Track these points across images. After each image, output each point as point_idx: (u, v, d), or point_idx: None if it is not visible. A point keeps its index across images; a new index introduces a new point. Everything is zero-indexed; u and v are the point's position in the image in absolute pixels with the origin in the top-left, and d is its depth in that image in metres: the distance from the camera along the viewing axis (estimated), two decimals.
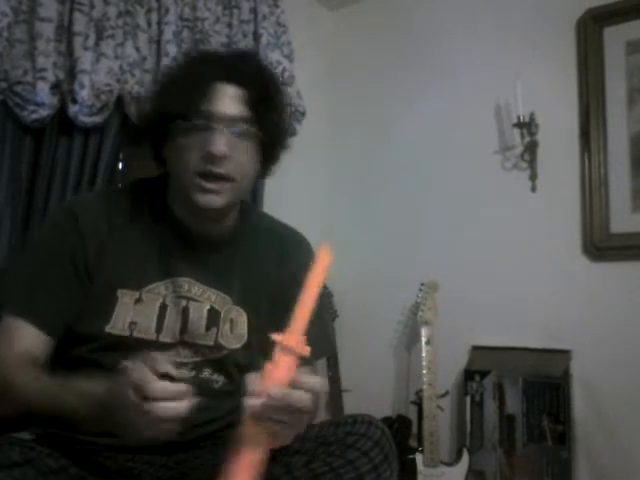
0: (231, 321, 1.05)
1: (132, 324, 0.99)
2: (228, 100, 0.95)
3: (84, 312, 0.98)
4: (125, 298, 0.99)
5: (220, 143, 0.93)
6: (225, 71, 0.96)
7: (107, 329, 0.98)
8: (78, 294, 0.98)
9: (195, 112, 0.93)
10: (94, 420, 0.83)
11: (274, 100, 1.00)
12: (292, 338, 0.76)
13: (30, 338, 0.96)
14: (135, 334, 0.99)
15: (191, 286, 1.03)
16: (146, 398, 0.71)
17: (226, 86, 0.95)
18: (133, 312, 0.99)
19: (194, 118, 0.93)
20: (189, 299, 1.03)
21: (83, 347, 0.99)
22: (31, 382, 0.90)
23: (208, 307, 1.04)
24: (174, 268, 1.02)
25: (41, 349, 0.96)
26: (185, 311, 1.02)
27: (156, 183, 1.07)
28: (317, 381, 0.78)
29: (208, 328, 1.03)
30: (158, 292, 1.01)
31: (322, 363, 2.10)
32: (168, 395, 0.72)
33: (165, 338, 1.00)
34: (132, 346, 0.98)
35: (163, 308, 1.01)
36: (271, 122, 0.99)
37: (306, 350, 0.76)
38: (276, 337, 0.76)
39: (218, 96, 0.94)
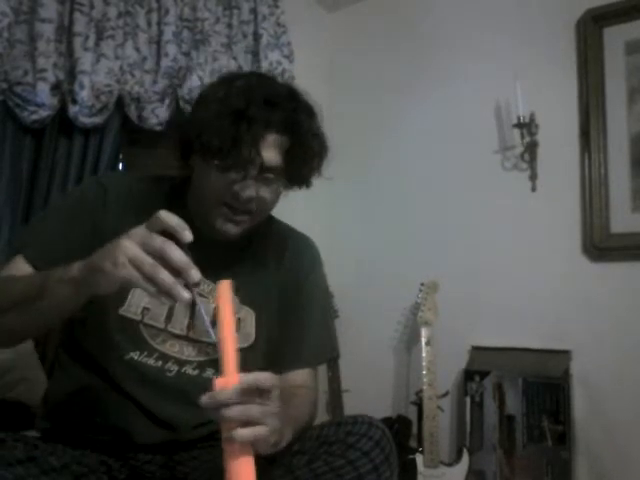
0: (238, 320, 1.06)
1: (145, 309, 1.00)
2: (270, 149, 0.95)
3: None
4: None
5: (251, 189, 0.95)
6: (276, 120, 0.94)
7: (120, 311, 0.99)
8: (84, 254, 0.99)
9: (236, 158, 0.92)
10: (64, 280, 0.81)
11: (315, 154, 1.01)
12: (230, 380, 0.74)
13: (20, 270, 0.96)
14: (146, 320, 1.00)
15: (201, 283, 1.04)
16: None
17: (268, 133, 0.94)
18: (146, 299, 1.00)
19: (231, 159, 0.93)
20: (198, 295, 1.03)
21: (91, 328, 1.00)
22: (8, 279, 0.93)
23: (215, 305, 1.04)
24: None
25: None
26: (193, 307, 1.03)
27: (179, 183, 1.08)
28: (265, 375, 0.76)
29: (213, 325, 1.03)
30: None
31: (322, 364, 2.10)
32: (175, 260, 0.73)
33: (173, 329, 1.01)
34: (138, 332, 0.99)
35: None
36: (306, 174, 1.02)
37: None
38: (217, 382, 0.74)
39: (257, 142, 0.93)
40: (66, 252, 0.97)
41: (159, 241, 0.73)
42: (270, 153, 0.95)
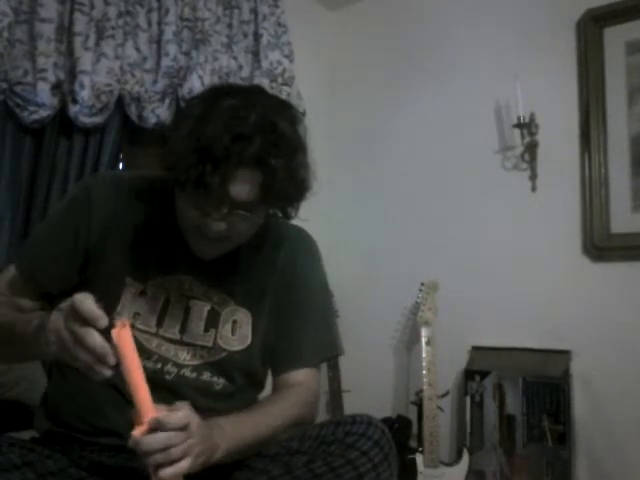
0: (234, 322, 1.05)
1: (136, 314, 1.00)
2: (241, 186, 0.87)
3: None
4: (131, 288, 1.00)
5: (220, 225, 0.90)
6: (248, 155, 0.85)
7: (113, 315, 0.98)
8: (70, 260, 1.02)
9: (202, 196, 0.87)
10: (24, 340, 0.87)
11: (291, 182, 0.91)
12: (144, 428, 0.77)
13: (10, 277, 1.03)
14: (137, 325, 0.99)
15: (193, 285, 1.03)
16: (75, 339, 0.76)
17: (240, 169, 0.86)
18: (137, 303, 1.00)
19: (202, 197, 0.88)
20: (190, 298, 1.03)
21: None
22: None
23: (209, 307, 1.04)
24: (178, 265, 1.03)
25: (20, 290, 1.03)
26: (186, 310, 1.02)
27: (166, 184, 1.04)
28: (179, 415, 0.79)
29: (207, 329, 1.03)
30: (163, 287, 1.02)
31: (323, 364, 2.10)
32: (91, 348, 0.75)
33: (166, 333, 1.01)
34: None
35: (166, 304, 1.01)
36: (283, 204, 0.97)
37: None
38: (136, 430, 0.77)
39: (225, 182, 0.86)
40: (50, 260, 1.02)
41: (75, 329, 0.76)
42: (240, 190, 0.87)
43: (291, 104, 1.02)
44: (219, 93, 0.95)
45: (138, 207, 1.04)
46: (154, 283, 1.01)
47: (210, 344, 1.03)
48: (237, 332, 1.05)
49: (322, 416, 2.21)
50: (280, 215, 1.01)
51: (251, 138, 0.85)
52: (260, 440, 0.93)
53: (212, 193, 0.86)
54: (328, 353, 1.16)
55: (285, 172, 0.89)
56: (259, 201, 0.90)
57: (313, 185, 0.97)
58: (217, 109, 0.89)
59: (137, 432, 0.76)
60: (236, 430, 0.89)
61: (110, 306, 0.98)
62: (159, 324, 1.01)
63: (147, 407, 0.77)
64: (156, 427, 0.76)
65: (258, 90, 1.00)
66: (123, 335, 0.77)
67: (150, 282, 1.01)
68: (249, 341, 1.06)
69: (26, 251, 1.09)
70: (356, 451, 0.89)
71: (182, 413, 0.79)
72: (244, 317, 1.06)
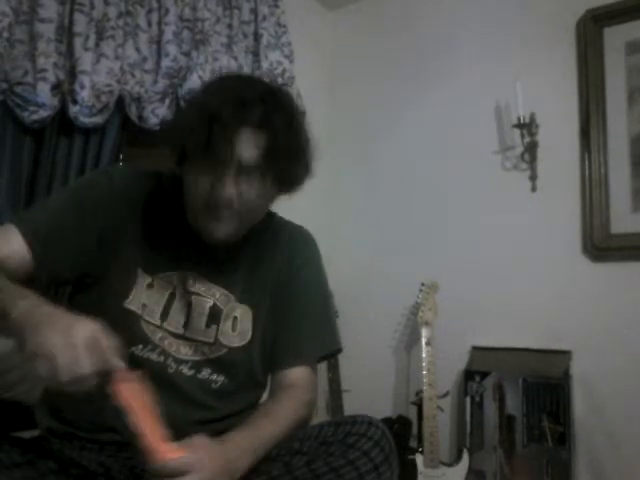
0: (234, 319, 1.06)
1: (144, 306, 1.00)
2: (247, 146, 0.93)
3: (105, 283, 1.00)
4: (141, 279, 1.01)
5: (230, 188, 0.94)
6: (250, 117, 0.93)
7: (125, 304, 0.99)
8: (85, 242, 0.99)
9: (211, 157, 0.92)
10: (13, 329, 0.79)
11: (296, 150, 0.98)
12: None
13: (14, 245, 0.94)
14: (144, 316, 1.00)
15: (196, 281, 1.04)
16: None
17: (247, 131, 0.93)
18: (145, 294, 1.00)
19: (208, 158, 0.93)
20: (193, 294, 1.04)
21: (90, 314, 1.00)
22: None
23: (211, 304, 1.04)
24: (183, 261, 1.04)
25: (18, 262, 0.94)
26: (189, 305, 1.03)
27: (174, 182, 1.07)
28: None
29: (208, 325, 1.04)
30: (169, 281, 1.03)
31: (322, 363, 2.10)
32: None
33: (169, 327, 1.01)
34: (139, 326, 0.99)
35: (171, 298, 1.02)
36: (289, 171, 0.99)
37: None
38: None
39: (237, 142, 0.93)
40: (66, 238, 0.97)
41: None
42: (246, 151, 0.93)
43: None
44: (220, 77, 1.06)
45: (150, 202, 1.05)
46: (161, 277, 1.02)
47: (211, 340, 1.03)
48: (238, 328, 1.06)
49: (322, 416, 2.21)
50: (286, 190, 1.04)
51: (254, 103, 0.94)
52: (268, 450, 0.93)
53: (219, 154, 0.91)
54: (327, 350, 1.16)
55: (287, 133, 0.95)
56: (265, 164, 0.95)
57: (315, 157, 1.03)
58: (220, 86, 1.00)
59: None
60: (251, 444, 0.90)
61: (122, 295, 1.00)
62: (163, 317, 1.01)
63: (158, 447, 0.75)
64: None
65: (254, 75, 1.10)
66: (135, 389, 0.76)
67: (158, 275, 1.02)
68: (249, 337, 1.06)
69: (37, 225, 0.98)
70: (357, 451, 0.89)
71: (194, 457, 0.78)
72: (245, 314, 1.07)
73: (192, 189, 0.98)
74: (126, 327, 0.98)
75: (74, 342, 0.72)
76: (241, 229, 1.02)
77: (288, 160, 0.97)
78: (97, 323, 0.77)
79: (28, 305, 0.78)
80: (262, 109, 0.94)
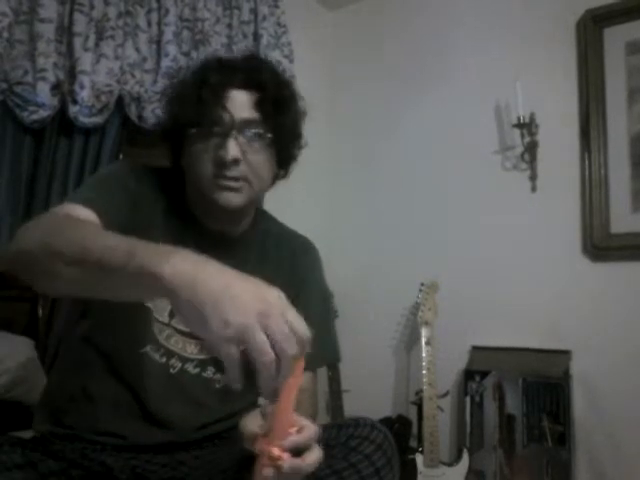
0: None
1: (154, 304, 1.00)
2: (239, 105, 0.97)
3: None
4: None
5: (231, 149, 0.95)
6: (236, 77, 0.98)
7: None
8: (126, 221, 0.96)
9: (207, 119, 0.96)
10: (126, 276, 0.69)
11: (286, 103, 1.02)
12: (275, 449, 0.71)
13: (85, 215, 0.88)
14: (155, 314, 1.00)
15: None
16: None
17: (237, 92, 0.98)
18: None
19: (206, 125, 0.96)
20: None
21: (104, 321, 0.99)
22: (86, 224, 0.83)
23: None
24: None
25: None
26: None
27: (173, 177, 1.07)
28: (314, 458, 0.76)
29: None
30: None
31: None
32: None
33: (178, 325, 1.01)
34: (149, 325, 0.98)
35: None
36: (283, 124, 1.01)
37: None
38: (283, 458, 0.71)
39: (229, 102, 0.97)
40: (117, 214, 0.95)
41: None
42: (239, 108, 0.97)
43: None
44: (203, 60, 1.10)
45: (159, 199, 1.05)
46: None
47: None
48: None
49: (322, 416, 2.22)
50: (286, 144, 1.05)
51: (236, 66, 1.01)
52: None
53: (213, 113, 0.95)
54: (327, 359, 1.16)
55: (275, 87, 1.00)
56: (260, 118, 0.98)
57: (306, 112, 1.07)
58: (205, 60, 1.06)
59: (280, 454, 0.70)
60: None
61: None
62: (172, 315, 1.01)
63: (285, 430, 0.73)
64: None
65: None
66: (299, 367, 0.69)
67: None
68: None
69: (85, 194, 0.96)
70: (359, 454, 0.89)
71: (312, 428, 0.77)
72: None
73: (195, 167, 0.99)
74: (139, 326, 0.98)
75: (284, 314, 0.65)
76: (252, 194, 1.02)
77: (281, 110, 1.00)
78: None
79: (183, 264, 0.67)
80: (247, 69, 0.99)
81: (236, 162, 0.96)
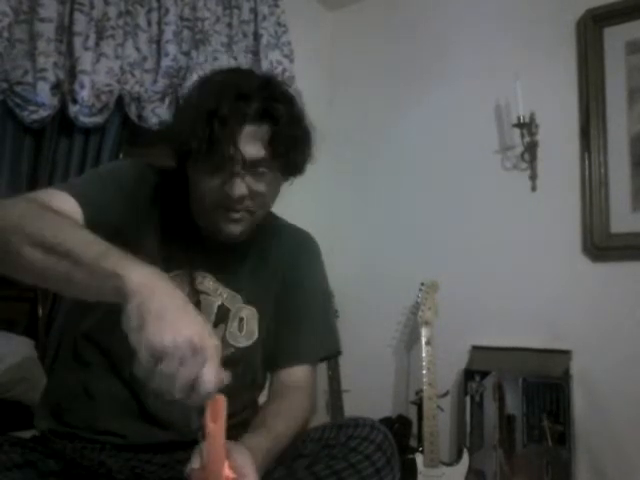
0: (240, 319, 1.06)
1: None
2: (251, 142, 0.94)
3: None
4: None
5: (238, 187, 0.94)
6: (250, 109, 0.93)
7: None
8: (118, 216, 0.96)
9: (217, 156, 0.92)
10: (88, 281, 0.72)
11: (298, 140, 0.99)
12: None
13: (69, 205, 0.89)
14: None
15: (205, 281, 1.04)
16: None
17: (250, 127, 0.93)
18: None
19: (215, 160, 0.93)
20: (202, 293, 1.04)
21: (108, 311, 0.98)
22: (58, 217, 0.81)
23: (219, 303, 1.05)
24: (192, 260, 1.04)
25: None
26: (198, 304, 1.02)
27: (176, 179, 1.06)
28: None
29: (216, 324, 1.04)
30: (178, 280, 1.02)
31: (322, 363, 2.10)
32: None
33: None
34: None
35: None
36: (294, 162, 1.00)
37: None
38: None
39: (241, 139, 0.92)
40: (103, 207, 0.94)
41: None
42: (250, 146, 0.93)
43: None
44: (212, 73, 1.03)
45: (160, 199, 1.04)
46: (170, 275, 1.01)
47: (219, 339, 1.03)
48: (245, 329, 1.06)
49: (322, 416, 2.22)
50: (292, 175, 1.04)
51: (252, 96, 0.94)
52: (283, 450, 0.93)
53: (224, 153, 0.91)
54: (327, 352, 1.17)
55: (289, 122, 0.96)
56: (270, 155, 0.95)
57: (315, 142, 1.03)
58: (215, 82, 0.98)
59: None
60: (269, 445, 0.89)
61: None
62: None
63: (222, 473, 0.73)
64: None
65: (247, 68, 1.11)
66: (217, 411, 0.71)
67: (169, 274, 1.01)
68: (255, 337, 1.07)
69: (84, 190, 0.94)
70: (359, 455, 0.89)
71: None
72: (251, 315, 1.07)
73: (200, 190, 0.98)
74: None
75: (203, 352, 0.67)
76: (255, 222, 1.02)
77: (293, 149, 0.98)
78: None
79: (150, 276, 0.70)
80: (261, 102, 0.94)
81: (242, 202, 0.96)
